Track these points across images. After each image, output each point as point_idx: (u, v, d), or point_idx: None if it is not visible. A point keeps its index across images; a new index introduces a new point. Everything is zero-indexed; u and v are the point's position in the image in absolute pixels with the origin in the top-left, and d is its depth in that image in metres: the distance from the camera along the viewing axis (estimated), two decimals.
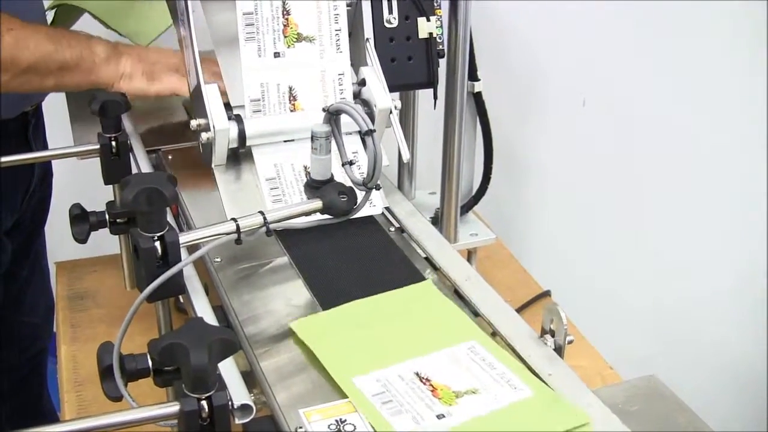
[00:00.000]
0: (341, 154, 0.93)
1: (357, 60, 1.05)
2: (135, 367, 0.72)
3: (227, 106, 0.98)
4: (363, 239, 0.99)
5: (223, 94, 0.99)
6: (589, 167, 1.99)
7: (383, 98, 1.01)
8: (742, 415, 2.17)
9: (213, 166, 1.00)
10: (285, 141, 1.01)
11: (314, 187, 0.93)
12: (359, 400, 0.74)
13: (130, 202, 0.76)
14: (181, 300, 0.87)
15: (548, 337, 0.83)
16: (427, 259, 0.98)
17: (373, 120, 1.00)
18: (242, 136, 0.98)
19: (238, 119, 0.98)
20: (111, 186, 1.10)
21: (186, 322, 0.68)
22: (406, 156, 1.04)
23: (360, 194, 0.92)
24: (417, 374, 0.77)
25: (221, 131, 0.96)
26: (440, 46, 1.19)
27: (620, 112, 1.95)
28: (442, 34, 1.19)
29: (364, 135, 0.88)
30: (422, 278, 0.93)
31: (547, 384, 0.77)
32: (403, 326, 0.84)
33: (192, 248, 0.83)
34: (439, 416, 0.72)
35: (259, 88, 0.99)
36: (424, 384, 0.75)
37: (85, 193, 1.13)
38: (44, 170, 1.46)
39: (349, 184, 0.92)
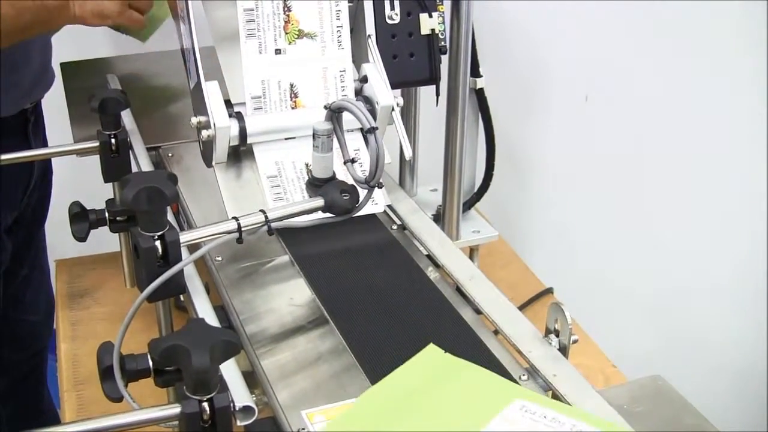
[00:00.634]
0: (343, 151, 0.92)
1: (359, 57, 1.04)
2: (135, 368, 0.71)
3: (228, 104, 0.97)
4: (365, 237, 0.98)
5: None
6: (591, 164, 1.99)
7: (385, 95, 1.00)
8: (742, 413, 2.16)
9: (214, 164, 0.99)
10: (286, 138, 1.00)
11: (316, 185, 0.92)
12: None
13: (130, 201, 0.75)
14: (182, 299, 0.86)
15: (552, 336, 0.82)
16: (429, 256, 0.98)
17: (375, 117, 0.99)
18: (243, 133, 0.97)
19: (239, 116, 0.97)
20: (111, 183, 1.10)
21: (187, 321, 0.68)
22: (408, 153, 1.03)
23: (362, 192, 0.92)
24: None
25: (222, 129, 0.95)
26: (442, 43, 1.19)
27: (622, 109, 1.95)
28: (444, 30, 1.18)
29: (366, 132, 0.87)
30: (425, 277, 0.92)
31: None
32: (440, 405, 0.75)
33: (193, 247, 0.82)
34: None
35: (260, 85, 0.98)
36: None
37: (84, 190, 1.13)
38: (44, 168, 1.45)
39: (351, 182, 0.92)
